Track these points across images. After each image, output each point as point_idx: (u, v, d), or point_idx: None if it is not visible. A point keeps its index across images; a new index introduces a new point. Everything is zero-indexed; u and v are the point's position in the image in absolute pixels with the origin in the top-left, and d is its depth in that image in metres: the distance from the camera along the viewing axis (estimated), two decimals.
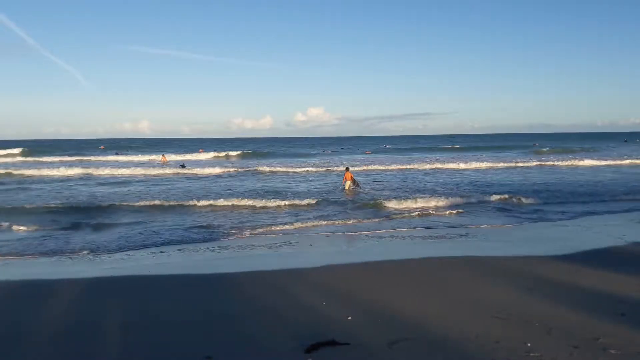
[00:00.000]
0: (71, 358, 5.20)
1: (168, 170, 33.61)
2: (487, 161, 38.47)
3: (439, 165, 35.37)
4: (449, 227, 13.18)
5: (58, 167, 34.03)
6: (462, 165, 34.82)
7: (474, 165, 35.33)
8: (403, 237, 12.02)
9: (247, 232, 12.80)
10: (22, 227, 13.32)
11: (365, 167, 34.28)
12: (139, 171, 33.09)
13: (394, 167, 35.03)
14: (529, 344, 5.14)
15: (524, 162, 38.29)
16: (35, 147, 76.40)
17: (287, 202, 17.32)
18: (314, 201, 17.40)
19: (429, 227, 13.13)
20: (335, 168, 34.05)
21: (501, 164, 36.29)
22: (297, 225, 13.57)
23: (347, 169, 22.68)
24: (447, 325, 5.73)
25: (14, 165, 39.49)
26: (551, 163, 37.14)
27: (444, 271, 8.44)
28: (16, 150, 62.34)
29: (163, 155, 49.18)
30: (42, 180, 28.19)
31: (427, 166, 35.06)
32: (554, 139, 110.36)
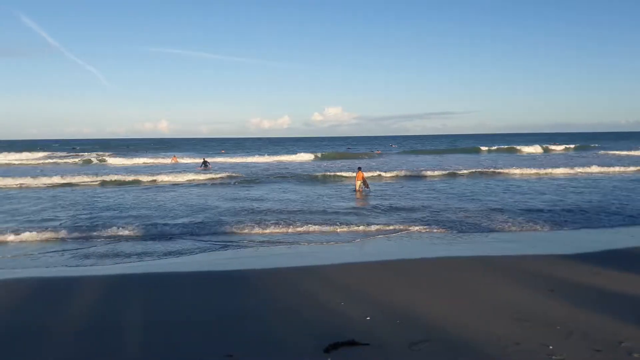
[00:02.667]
0: (92, 356, 5.26)
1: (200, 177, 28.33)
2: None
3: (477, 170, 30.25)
4: (468, 226, 13.09)
5: (62, 175, 27.76)
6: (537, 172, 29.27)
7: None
8: (421, 236, 11.97)
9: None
10: (35, 237, 12.20)
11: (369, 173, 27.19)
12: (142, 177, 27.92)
13: (403, 173, 29.72)
14: (551, 347, 5.08)
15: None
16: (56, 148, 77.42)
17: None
18: None
19: (447, 227, 13.06)
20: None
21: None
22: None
23: (359, 168, 22.55)
24: (467, 327, 5.70)
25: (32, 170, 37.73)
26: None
27: (463, 271, 8.39)
28: (41, 154, 64.91)
29: (174, 157, 49.80)
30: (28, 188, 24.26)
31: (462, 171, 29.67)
32: (581, 139, 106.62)
